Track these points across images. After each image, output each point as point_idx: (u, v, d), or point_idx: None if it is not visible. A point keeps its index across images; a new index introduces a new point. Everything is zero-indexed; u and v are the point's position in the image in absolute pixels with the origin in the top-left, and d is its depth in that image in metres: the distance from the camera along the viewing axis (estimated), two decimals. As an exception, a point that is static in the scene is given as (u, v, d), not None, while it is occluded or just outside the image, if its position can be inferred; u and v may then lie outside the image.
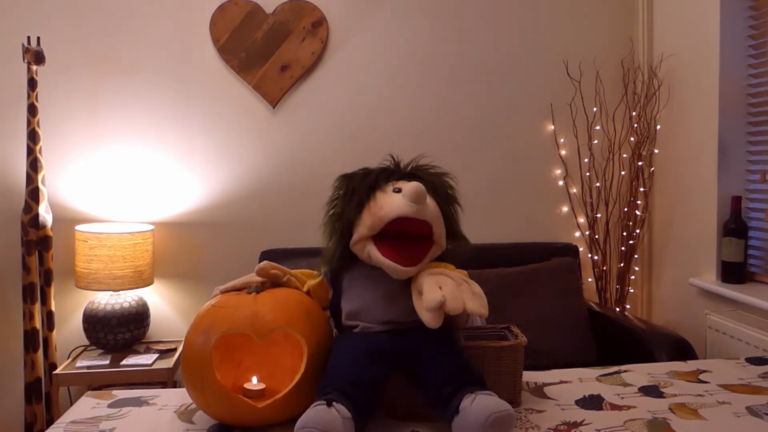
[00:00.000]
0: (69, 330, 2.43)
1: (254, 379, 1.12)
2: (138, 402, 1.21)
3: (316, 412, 0.92)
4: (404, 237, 1.10)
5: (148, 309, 2.34)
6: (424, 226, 1.10)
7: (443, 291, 1.02)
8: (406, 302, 1.11)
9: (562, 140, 2.67)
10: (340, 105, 2.55)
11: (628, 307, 2.64)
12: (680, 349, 1.92)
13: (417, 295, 1.08)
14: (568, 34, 2.66)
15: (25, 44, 2.18)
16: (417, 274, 1.12)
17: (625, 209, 2.64)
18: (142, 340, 2.40)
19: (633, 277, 2.66)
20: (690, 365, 1.41)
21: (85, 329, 2.23)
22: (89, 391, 1.28)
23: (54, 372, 2.12)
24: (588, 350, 2.22)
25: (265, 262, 1.19)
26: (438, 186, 1.19)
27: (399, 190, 1.12)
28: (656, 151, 2.59)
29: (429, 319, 1.02)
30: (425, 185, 1.15)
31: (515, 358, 1.18)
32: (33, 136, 2.16)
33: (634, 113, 2.62)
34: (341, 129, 2.56)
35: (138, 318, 2.26)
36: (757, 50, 2.13)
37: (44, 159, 2.34)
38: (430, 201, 1.13)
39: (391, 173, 1.18)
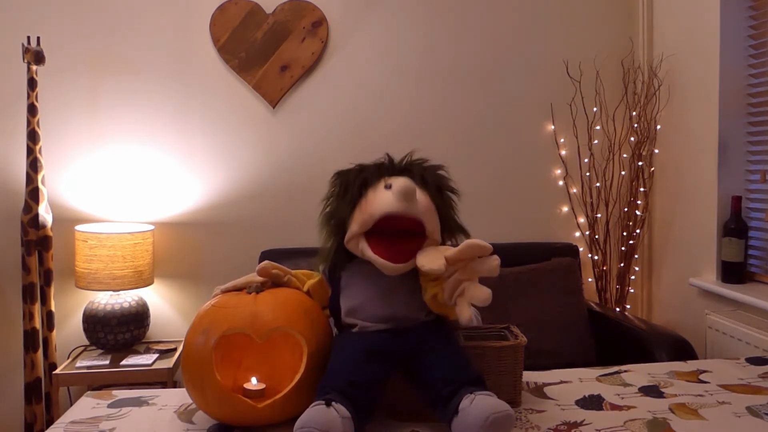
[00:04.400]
0: (69, 330, 2.43)
1: (254, 380, 1.12)
2: (138, 402, 1.21)
3: (315, 411, 0.92)
4: (396, 233, 1.10)
5: (148, 309, 2.34)
6: (415, 222, 1.10)
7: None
8: (403, 298, 1.11)
9: (562, 140, 2.67)
10: (340, 105, 2.55)
11: (628, 307, 2.64)
12: (680, 349, 1.92)
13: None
14: (568, 34, 2.66)
15: (25, 44, 2.17)
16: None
17: (625, 209, 2.64)
18: (142, 340, 2.40)
19: (633, 277, 2.66)
20: (690, 365, 1.41)
21: (85, 329, 2.24)
22: (89, 391, 1.28)
23: (54, 372, 2.12)
24: (588, 350, 2.22)
25: (266, 261, 1.19)
26: (430, 179, 1.17)
27: (390, 187, 1.12)
28: (656, 151, 2.59)
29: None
30: (417, 179, 1.15)
31: (515, 358, 1.18)
32: (33, 136, 2.16)
33: (634, 113, 2.62)
34: (341, 129, 2.56)
35: (138, 318, 2.26)
36: (757, 50, 2.13)
37: (44, 159, 2.34)
38: (421, 196, 1.12)
39: (385, 170, 1.18)
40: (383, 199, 1.10)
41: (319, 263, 1.22)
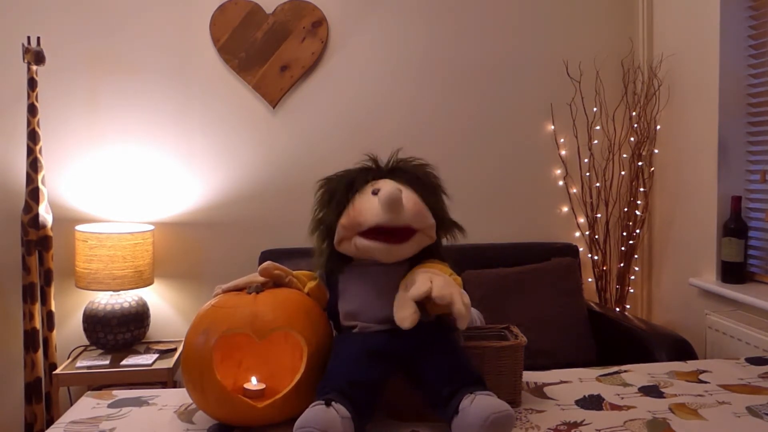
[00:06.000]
0: (69, 330, 2.43)
1: (253, 380, 1.12)
2: (138, 402, 1.21)
3: (315, 411, 0.92)
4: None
5: (148, 309, 2.34)
6: (404, 228, 1.10)
7: (433, 283, 1.01)
8: None
9: (562, 140, 2.67)
10: (340, 105, 2.55)
11: (628, 307, 2.64)
12: (680, 349, 1.92)
13: (402, 289, 1.08)
14: (568, 34, 2.66)
15: (25, 44, 2.17)
16: (410, 271, 1.12)
17: (625, 209, 2.64)
18: (142, 340, 2.40)
19: (633, 277, 2.66)
20: (690, 365, 1.41)
21: (85, 329, 2.24)
22: (89, 391, 1.28)
23: (54, 372, 2.12)
24: (588, 350, 2.22)
25: (268, 262, 1.18)
26: (420, 176, 1.17)
27: (377, 192, 1.11)
28: (656, 151, 2.59)
29: (401, 319, 1.01)
30: (406, 177, 1.14)
31: (515, 358, 1.18)
32: (33, 136, 2.16)
33: (634, 113, 2.62)
34: (341, 129, 2.56)
35: (138, 318, 2.26)
36: (757, 50, 2.13)
37: (44, 159, 2.34)
38: (409, 197, 1.12)
39: (371, 173, 1.17)
40: (371, 208, 1.09)
41: (316, 267, 1.22)
